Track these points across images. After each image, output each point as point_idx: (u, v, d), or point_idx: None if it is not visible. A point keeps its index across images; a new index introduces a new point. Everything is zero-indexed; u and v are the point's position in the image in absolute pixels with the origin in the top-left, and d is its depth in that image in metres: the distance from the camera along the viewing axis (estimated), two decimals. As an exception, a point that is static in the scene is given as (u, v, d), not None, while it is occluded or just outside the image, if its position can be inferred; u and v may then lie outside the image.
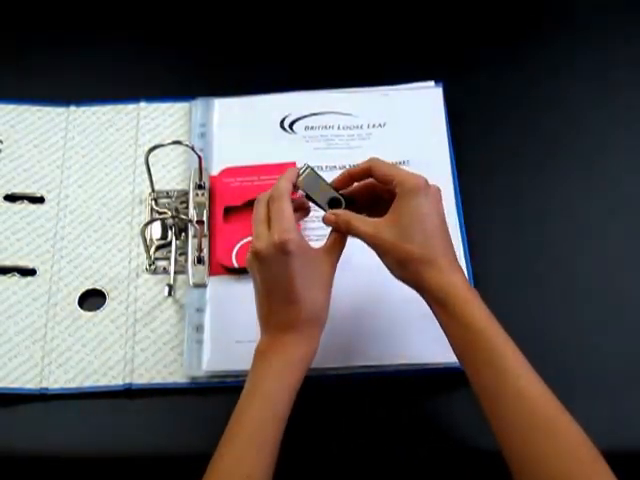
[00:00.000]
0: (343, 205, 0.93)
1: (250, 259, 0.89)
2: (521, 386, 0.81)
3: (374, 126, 1.14)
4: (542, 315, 1.02)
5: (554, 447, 0.78)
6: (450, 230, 1.00)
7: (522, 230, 1.08)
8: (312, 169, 0.92)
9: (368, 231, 0.89)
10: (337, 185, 0.94)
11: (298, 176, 0.91)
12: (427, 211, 0.88)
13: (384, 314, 1.01)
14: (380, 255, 0.90)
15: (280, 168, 1.08)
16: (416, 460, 0.96)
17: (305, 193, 0.92)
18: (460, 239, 1.05)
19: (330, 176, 0.98)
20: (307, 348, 0.89)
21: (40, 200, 1.11)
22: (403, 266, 0.88)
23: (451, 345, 0.86)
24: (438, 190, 0.90)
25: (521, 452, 0.79)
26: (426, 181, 0.89)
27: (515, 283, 1.03)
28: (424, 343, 0.98)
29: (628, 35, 1.26)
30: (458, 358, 0.86)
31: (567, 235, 1.08)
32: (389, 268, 0.90)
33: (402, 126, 1.14)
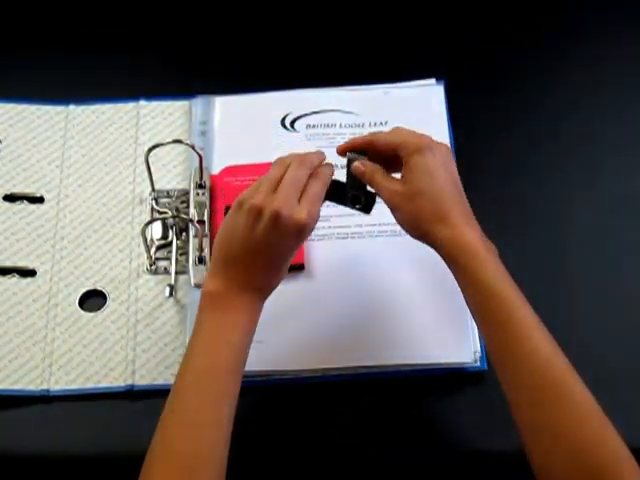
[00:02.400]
0: (362, 203, 0.94)
1: (250, 209, 0.86)
2: (531, 347, 0.79)
3: (376, 124, 1.14)
4: (542, 312, 1.02)
5: (562, 411, 0.77)
6: None
7: (525, 228, 1.08)
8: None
9: (386, 186, 0.90)
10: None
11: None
12: (434, 167, 0.88)
13: (389, 314, 1.01)
14: (393, 212, 0.90)
15: (281, 167, 1.08)
16: (420, 461, 0.96)
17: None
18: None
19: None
20: (257, 316, 0.89)
21: (40, 200, 1.11)
22: (416, 223, 0.88)
23: (465, 301, 0.86)
24: (447, 148, 0.91)
25: (529, 414, 0.79)
26: (431, 139, 0.89)
27: (517, 279, 1.03)
28: (429, 344, 0.98)
29: (632, 34, 1.26)
30: (472, 315, 0.86)
31: (571, 235, 1.08)
32: (403, 227, 0.90)
33: (403, 124, 1.10)
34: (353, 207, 0.95)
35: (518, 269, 1.00)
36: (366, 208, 0.95)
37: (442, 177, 0.88)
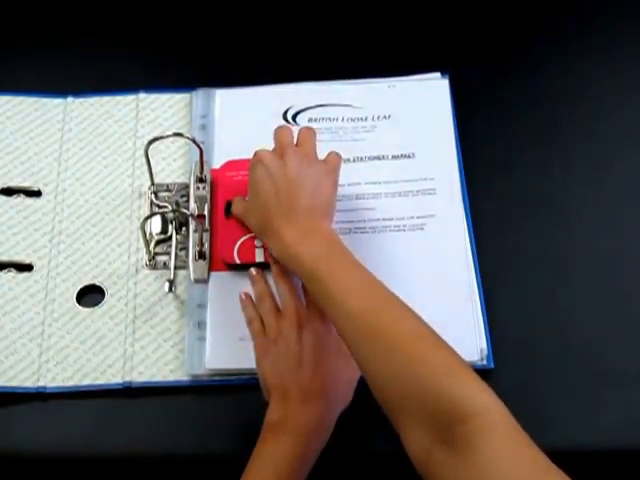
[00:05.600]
0: None
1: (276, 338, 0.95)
2: (347, 309, 0.83)
3: (379, 118, 1.13)
4: (544, 308, 1.02)
5: (373, 347, 0.80)
6: (456, 223, 1.01)
7: (530, 222, 1.07)
8: None
9: (238, 209, 1.00)
10: None
11: None
12: (258, 181, 0.94)
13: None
14: None
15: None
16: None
17: None
18: (466, 232, 1.04)
19: None
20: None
21: (37, 194, 1.10)
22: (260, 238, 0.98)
23: None
24: (273, 157, 0.95)
25: (361, 364, 0.82)
26: (260, 154, 0.96)
27: (522, 276, 1.02)
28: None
29: (635, 29, 1.25)
30: None
31: (575, 230, 1.07)
32: None
33: (407, 118, 1.12)
34: None
35: (520, 263, 1.00)
36: None
37: (263, 188, 0.94)
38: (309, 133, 0.99)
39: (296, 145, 0.98)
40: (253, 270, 1.00)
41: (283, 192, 0.92)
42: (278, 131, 0.99)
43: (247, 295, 1.00)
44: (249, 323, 0.97)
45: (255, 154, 0.97)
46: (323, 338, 0.92)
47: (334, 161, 0.99)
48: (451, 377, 0.74)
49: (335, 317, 0.84)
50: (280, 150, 0.96)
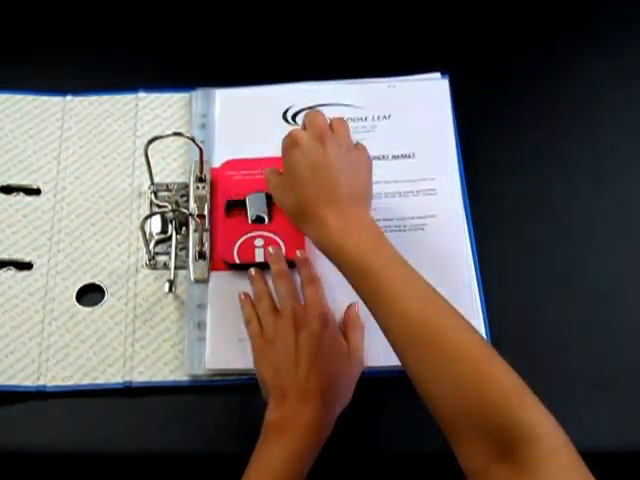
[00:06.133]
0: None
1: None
2: (401, 309, 0.81)
3: (379, 118, 1.13)
4: (543, 308, 1.02)
5: (435, 354, 0.78)
6: (456, 224, 1.01)
7: (530, 222, 1.07)
8: None
9: (270, 184, 0.97)
10: None
11: None
12: (296, 165, 0.92)
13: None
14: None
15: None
16: (419, 461, 0.95)
17: None
18: (466, 232, 1.04)
19: None
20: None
21: (36, 192, 1.09)
22: (293, 222, 0.94)
23: None
24: (312, 139, 0.92)
25: (413, 369, 0.80)
26: (297, 135, 0.93)
27: (522, 276, 1.03)
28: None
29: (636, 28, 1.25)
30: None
31: (575, 231, 1.07)
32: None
33: (407, 118, 1.12)
34: None
35: (520, 263, 1.00)
36: None
37: (301, 173, 0.91)
38: (342, 122, 0.96)
39: None
40: (252, 270, 1.00)
41: (323, 177, 0.90)
42: (312, 115, 0.96)
43: (246, 295, 0.99)
44: (247, 323, 0.97)
45: (290, 135, 0.94)
46: (320, 338, 0.92)
47: (365, 150, 0.97)
48: (518, 400, 0.74)
49: (386, 317, 0.82)
50: (318, 133, 0.93)
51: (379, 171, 1.07)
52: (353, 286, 0.85)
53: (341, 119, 0.97)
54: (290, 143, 0.93)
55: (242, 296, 0.99)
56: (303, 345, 0.92)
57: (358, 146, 0.97)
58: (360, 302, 0.86)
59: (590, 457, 0.78)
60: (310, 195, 0.90)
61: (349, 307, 0.98)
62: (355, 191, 0.91)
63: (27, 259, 1.05)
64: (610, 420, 0.95)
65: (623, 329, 1.01)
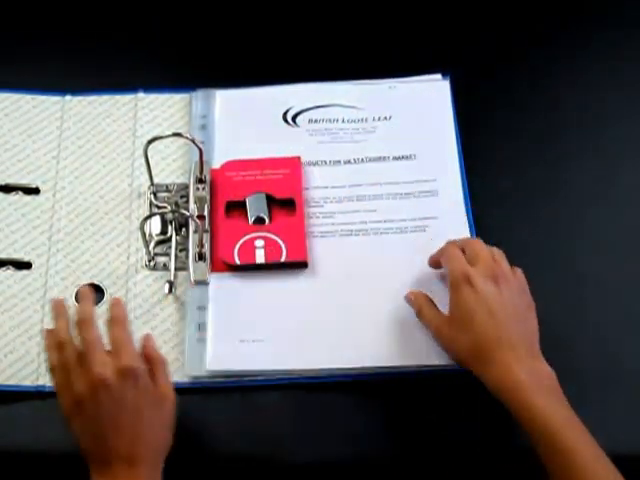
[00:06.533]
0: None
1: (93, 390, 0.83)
2: None
3: (379, 119, 1.12)
4: (548, 308, 1.01)
5: None
6: (458, 225, 1.02)
7: (532, 223, 1.07)
8: None
9: (432, 323, 0.93)
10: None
11: None
12: (471, 305, 0.89)
13: (394, 314, 0.99)
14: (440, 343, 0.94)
15: (284, 162, 1.08)
16: (414, 462, 0.95)
17: None
18: (467, 232, 1.04)
19: (336, 170, 1.07)
20: None
21: (35, 191, 1.09)
22: (460, 360, 0.91)
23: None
24: (485, 279, 0.91)
25: None
26: (468, 272, 0.91)
27: (526, 278, 1.02)
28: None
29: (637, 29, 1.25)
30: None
31: (579, 230, 1.07)
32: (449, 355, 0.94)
33: (408, 119, 1.12)
34: None
35: (523, 265, 1.00)
36: None
37: (479, 316, 0.89)
38: (503, 256, 0.95)
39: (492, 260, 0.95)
40: (55, 301, 0.92)
41: (502, 321, 0.89)
42: (477, 249, 0.94)
43: (49, 332, 0.89)
44: (53, 370, 0.88)
45: (461, 270, 0.92)
46: (123, 396, 0.84)
47: (525, 283, 0.95)
48: None
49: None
50: (491, 273, 0.92)
51: (380, 172, 1.08)
52: (532, 441, 0.84)
53: (500, 253, 0.95)
54: (461, 279, 0.91)
55: (45, 333, 0.89)
56: (109, 406, 0.83)
57: (517, 276, 0.95)
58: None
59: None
60: (490, 339, 0.88)
61: (146, 340, 0.90)
62: (531, 338, 0.90)
63: (26, 258, 1.04)
64: (610, 421, 0.94)
65: (630, 328, 1.01)
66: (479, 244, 0.95)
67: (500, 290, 0.90)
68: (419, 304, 0.96)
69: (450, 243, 0.97)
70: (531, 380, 0.85)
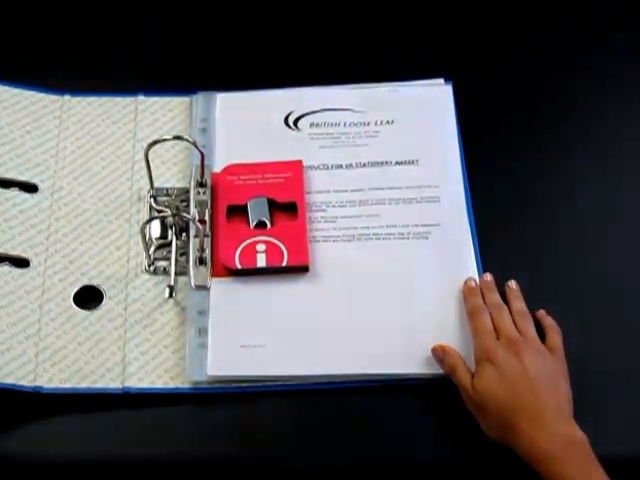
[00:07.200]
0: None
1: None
2: None
3: (382, 123, 1.12)
4: (548, 314, 1.01)
5: None
6: (460, 232, 1.03)
7: (534, 228, 1.07)
8: None
9: (464, 386, 0.92)
10: None
11: None
12: (492, 381, 0.90)
13: (396, 320, 0.99)
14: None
15: (285, 166, 1.07)
16: (413, 467, 0.95)
17: None
18: (470, 239, 1.04)
19: (337, 175, 1.07)
20: None
21: (33, 188, 1.08)
22: (487, 428, 0.91)
23: None
24: (507, 354, 0.92)
25: None
26: (490, 349, 0.93)
27: (527, 284, 1.02)
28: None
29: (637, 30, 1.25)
30: None
31: (580, 235, 1.07)
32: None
33: (411, 124, 1.12)
34: None
35: (525, 273, 1.01)
36: None
37: (500, 394, 0.89)
38: (529, 319, 0.97)
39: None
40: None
41: (523, 394, 0.88)
42: (500, 318, 0.96)
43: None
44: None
45: (483, 347, 0.93)
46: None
47: (559, 345, 0.96)
48: None
49: None
50: (513, 349, 0.92)
51: (382, 177, 1.08)
52: None
53: (526, 315, 0.97)
54: (484, 357, 0.92)
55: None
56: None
57: (550, 343, 0.95)
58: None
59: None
60: (511, 412, 0.88)
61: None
62: (560, 403, 0.89)
63: (24, 255, 1.03)
64: (611, 422, 0.95)
65: (627, 329, 1.01)
66: (504, 313, 0.97)
67: (521, 360, 0.91)
68: (452, 364, 0.94)
69: (479, 307, 0.98)
70: (559, 448, 0.84)
